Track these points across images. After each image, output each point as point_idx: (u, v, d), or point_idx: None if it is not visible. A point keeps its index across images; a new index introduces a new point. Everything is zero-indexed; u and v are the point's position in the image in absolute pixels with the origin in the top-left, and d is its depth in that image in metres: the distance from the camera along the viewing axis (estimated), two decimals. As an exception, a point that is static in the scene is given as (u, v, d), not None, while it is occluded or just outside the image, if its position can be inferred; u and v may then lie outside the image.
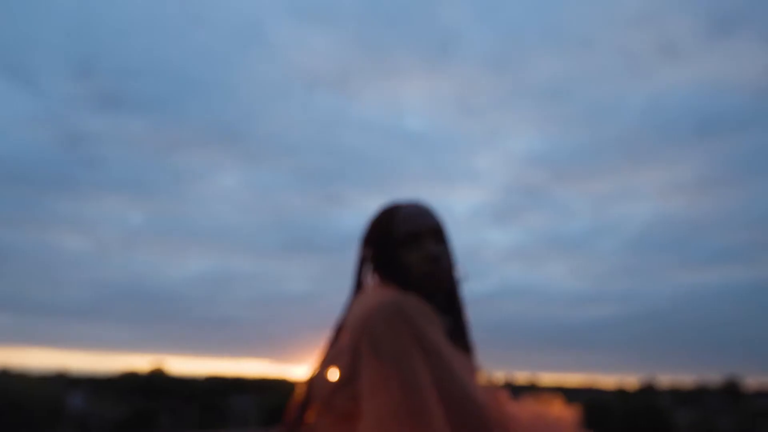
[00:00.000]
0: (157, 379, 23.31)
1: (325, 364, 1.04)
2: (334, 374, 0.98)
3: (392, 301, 0.96)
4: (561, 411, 1.05)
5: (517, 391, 1.10)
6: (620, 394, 28.01)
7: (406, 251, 1.11)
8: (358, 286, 1.16)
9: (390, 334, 0.91)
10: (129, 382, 23.54)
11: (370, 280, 1.17)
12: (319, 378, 1.04)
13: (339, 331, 1.08)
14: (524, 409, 1.04)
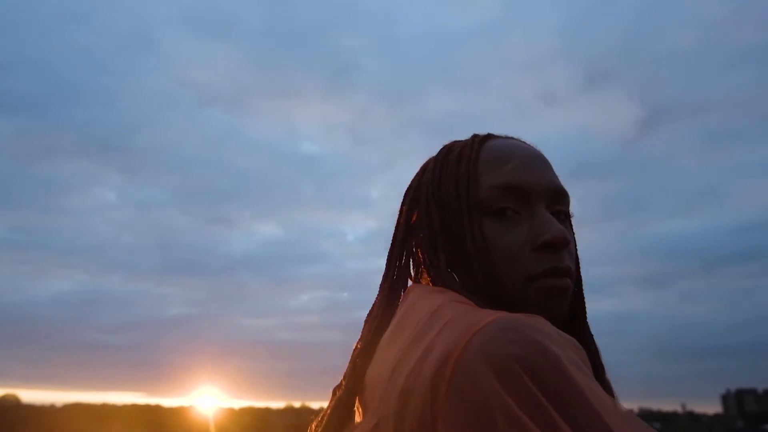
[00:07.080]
0: (9, 410, 20.82)
1: None
2: None
3: (500, 327, 0.44)
4: None
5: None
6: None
7: (497, 225, 0.55)
8: (395, 288, 0.60)
9: (505, 398, 0.41)
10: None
11: (420, 277, 0.61)
12: None
13: (357, 371, 0.58)
14: None
